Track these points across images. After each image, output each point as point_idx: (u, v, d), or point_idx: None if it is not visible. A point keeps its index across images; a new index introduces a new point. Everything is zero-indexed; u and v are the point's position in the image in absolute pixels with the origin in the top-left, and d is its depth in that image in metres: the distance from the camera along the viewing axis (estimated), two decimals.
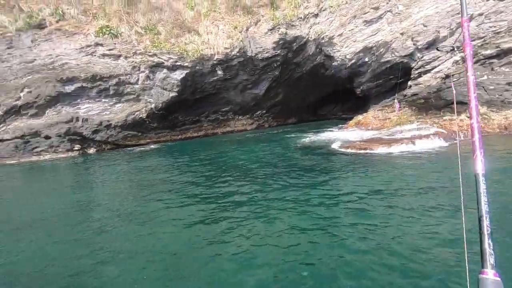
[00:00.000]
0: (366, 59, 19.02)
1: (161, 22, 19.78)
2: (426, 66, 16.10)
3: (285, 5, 21.49)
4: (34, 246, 4.92)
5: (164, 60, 18.79)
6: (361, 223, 4.50)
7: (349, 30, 18.92)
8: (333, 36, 19.57)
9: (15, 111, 17.49)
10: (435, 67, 15.83)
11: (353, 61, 19.42)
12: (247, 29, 20.94)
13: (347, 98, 27.70)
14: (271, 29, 20.81)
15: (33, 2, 18.85)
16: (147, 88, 19.03)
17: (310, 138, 15.23)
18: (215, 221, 5.11)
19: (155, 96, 19.12)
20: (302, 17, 20.61)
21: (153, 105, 19.19)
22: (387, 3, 17.21)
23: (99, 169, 12.66)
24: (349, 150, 10.59)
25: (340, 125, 19.16)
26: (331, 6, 19.52)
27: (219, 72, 20.61)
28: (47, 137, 17.92)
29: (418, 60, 16.32)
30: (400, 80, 18.12)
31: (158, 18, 19.90)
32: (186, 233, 4.75)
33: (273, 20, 20.87)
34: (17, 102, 17.32)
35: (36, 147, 17.94)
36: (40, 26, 18.05)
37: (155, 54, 18.70)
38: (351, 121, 17.08)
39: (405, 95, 16.51)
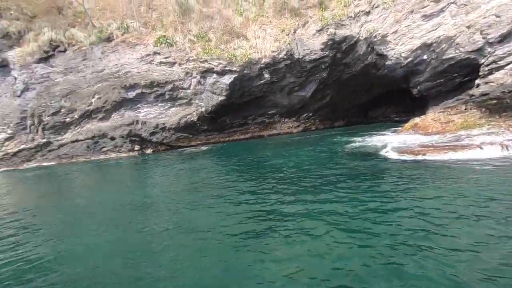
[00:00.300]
0: (425, 57, 17.48)
1: (212, 29, 20.72)
2: (499, 62, 14.19)
3: (334, 5, 20.89)
4: (92, 239, 5.52)
5: (214, 65, 19.64)
6: (419, 244, 4.06)
7: (405, 26, 17.61)
8: (386, 33, 18.42)
9: (87, 115, 19.89)
10: (511, 62, 13.87)
11: (409, 59, 18.01)
12: (294, 32, 20.83)
13: (401, 100, 25.76)
14: (319, 30, 20.38)
15: (103, 18, 21.26)
16: (198, 93, 20.07)
17: (360, 142, 14.42)
18: (258, 231, 5.07)
19: (205, 100, 20.08)
20: (353, 16, 19.80)
21: (203, 109, 20.17)
22: None
23: (156, 168, 13.71)
24: (405, 157, 9.82)
25: (394, 129, 17.89)
26: (385, 2, 18.41)
27: (266, 76, 20.82)
28: (112, 138, 20.02)
29: (488, 56, 14.47)
30: (466, 79, 16.29)
31: (209, 26, 20.89)
32: (230, 241, 4.80)
33: (321, 20, 20.43)
34: (89, 107, 19.67)
35: (103, 147, 20.15)
36: (109, 39, 20.26)
37: (206, 60, 19.65)
38: (406, 124, 15.80)
39: (472, 95, 14.76)
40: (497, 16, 13.87)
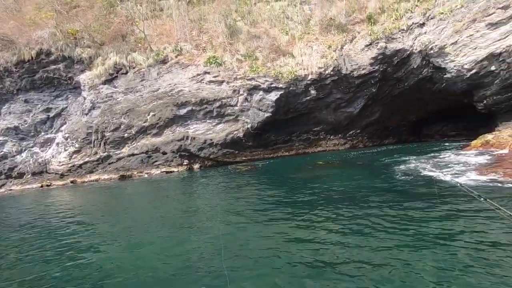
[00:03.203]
0: (493, 68, 15.91)
1: (259, 48, 21.33)
2: None
3: (384, 19, 20.30)
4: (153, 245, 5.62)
5: (261, 83, 20.02)
6: None
7: (467, 37, 16.35)
8: (444, 45, 17.26)
9: (143, 131, 21.35)
10: None
11: (473, 71, 16.54)
12: (341, 47, 20.54)
13: (461, 116, 23.56)
14: (368, 45, 19.85)
15: (160, 42, 23.12)
16: (245, 110, 20.50)
17: (414, 164, 12.44)
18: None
19: (251, 116, 20.40)
20: (405, 29, 19.01)
21: (249, 125, 20.47)
22: None
23: (206, 187, 14.01)
24: (483, 181, 8.61)
25: (456, 147, 16.22)
26: (442, 13, 17.41)
27: (312, 92, 20.62)
28: (164, 153, 21.13)
29: None
30: None
31: (256, 45, 21.56)
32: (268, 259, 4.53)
33: (370, 35, 19.91)
34: (145, 123, 21.13)
35: (155, 161, 21.33)
36: (164, 61, 21.87)
37: (253, 78, 20.15)
38: (474, 142, 14.19)
39: None
40: None
